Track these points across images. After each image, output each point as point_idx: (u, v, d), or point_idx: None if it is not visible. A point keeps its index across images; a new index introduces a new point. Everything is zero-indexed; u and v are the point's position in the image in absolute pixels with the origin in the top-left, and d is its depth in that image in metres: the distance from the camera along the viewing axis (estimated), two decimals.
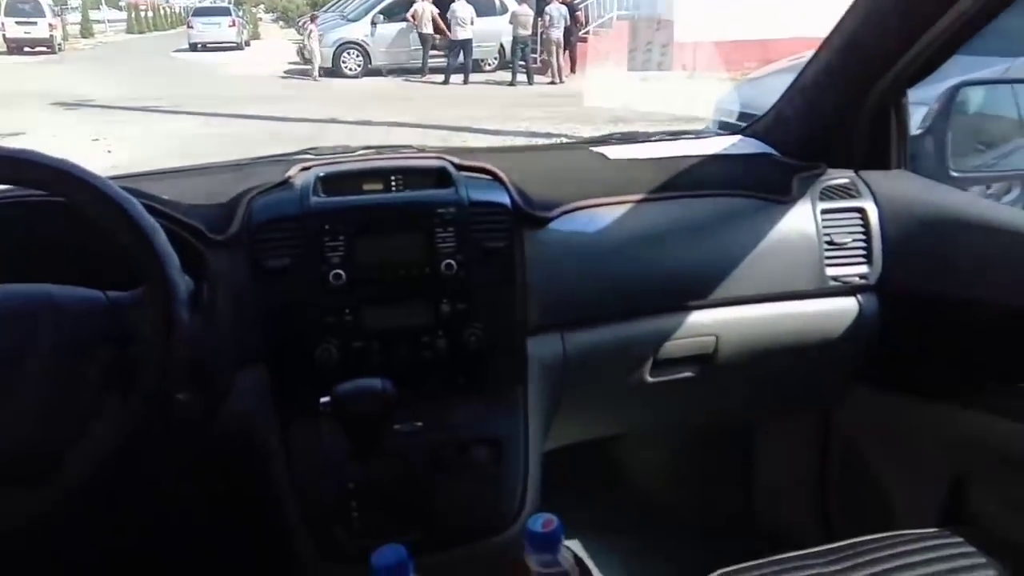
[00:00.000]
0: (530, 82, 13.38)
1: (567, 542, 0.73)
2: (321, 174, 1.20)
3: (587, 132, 6.41)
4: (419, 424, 1.12)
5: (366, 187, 1.22)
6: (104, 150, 7.07)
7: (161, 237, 0.89)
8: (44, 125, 9.09)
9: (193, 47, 21.74)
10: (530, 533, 0.71)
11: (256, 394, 1.11)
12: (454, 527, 1.06)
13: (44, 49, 20.92)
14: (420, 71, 14.25)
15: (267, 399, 1.11)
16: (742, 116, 3.72)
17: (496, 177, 1.24)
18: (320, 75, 14.26)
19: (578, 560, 0.74)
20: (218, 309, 1.06)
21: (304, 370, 1.10)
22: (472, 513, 1.07)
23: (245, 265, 1.11)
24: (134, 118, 9.86)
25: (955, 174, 1.50)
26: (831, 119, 1.41)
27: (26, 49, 20.65)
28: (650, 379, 1.32)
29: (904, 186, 1.41)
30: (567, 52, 13.82)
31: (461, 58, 13.68)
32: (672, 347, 1.30)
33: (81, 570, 1.50)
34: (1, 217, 1.05)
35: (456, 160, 1.26)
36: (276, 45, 18.55)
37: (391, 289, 1.13)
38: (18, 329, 0.87)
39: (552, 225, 1.22)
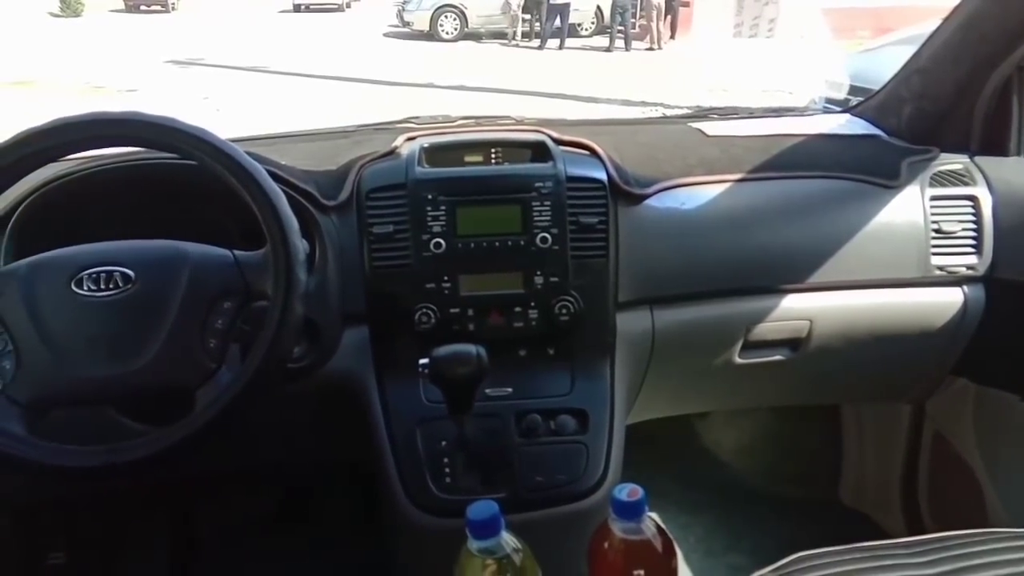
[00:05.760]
0: (628, 48, 13.05)
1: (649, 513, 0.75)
2: (425, 145, 1.25)
3: (684, 102, 6.26)
4: (509, 390, 1.17)
5: (467, 159, 1.27)
6: (213, 109, 7.37)
7: (284, 203, 0.95)
8: (156, 82, 9.54)
9: (297, 8, 22.23)
10: (615, 501, 0.73)
11: (358, 352, 1.17)
12: (538, 490, 1.10)
13: (159, 8, 21.96)
14: (526, 36, 14.09)
15: (368, 357, 1.17)
16: (853, 90, 3.56)
17: (594, 152, 1.25)
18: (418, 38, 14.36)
19: (660, 529, 0.76)
20: (328, 270, 1.13)
21: (403, 332, 1.15)
22: (556, 478, 1.11)
23: (353, 229, 1.17)
24: (241, 78, 10.23)
25: None
26: (948, 101, 1.36)
27: (142, 7, 21.78)
28: (739, 360, 1.32)
29: (1023, 175, 1.34)
30: (668, 17, 13.41)
31: (558, 22, 13.49)
32: (764, 329, 1.29)
33: (185, 514, 1.63)
34: (137, 178, 1.15)
35: (554, 134, 1.28)
36: (377, 7, 18.82)
37: (487, 259, 1.16)
38: (159, 279, 0.96)
39: (648, 201, 1.23)
